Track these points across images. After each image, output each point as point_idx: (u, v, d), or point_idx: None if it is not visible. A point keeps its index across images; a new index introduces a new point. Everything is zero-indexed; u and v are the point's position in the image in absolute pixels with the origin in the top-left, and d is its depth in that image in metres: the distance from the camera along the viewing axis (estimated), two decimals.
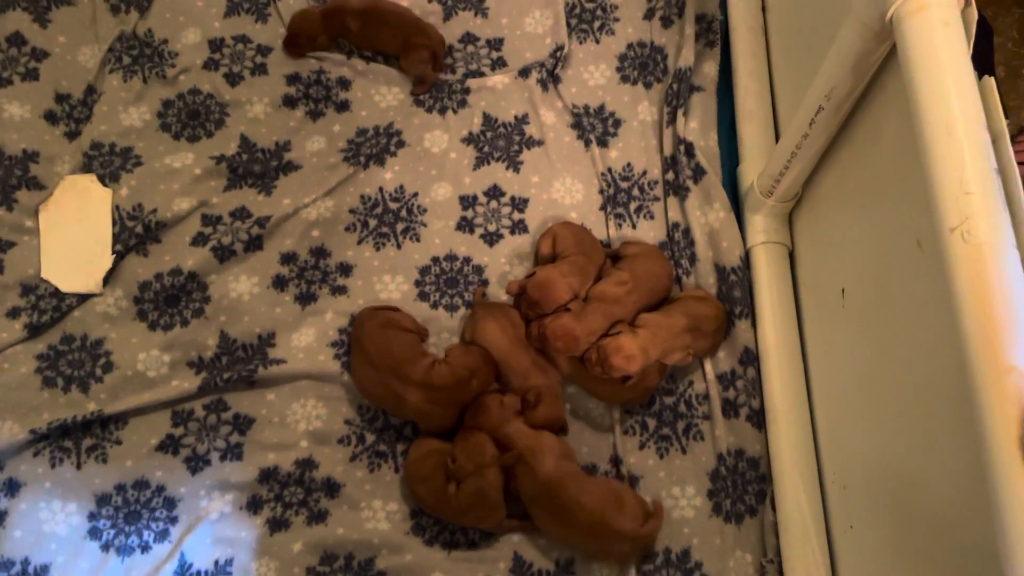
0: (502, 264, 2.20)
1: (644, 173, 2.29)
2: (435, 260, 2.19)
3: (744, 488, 1.97)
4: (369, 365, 1.94)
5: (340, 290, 2.14)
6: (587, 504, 1.79)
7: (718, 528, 1.95)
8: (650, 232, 2.26)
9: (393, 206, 2.24)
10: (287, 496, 1.94)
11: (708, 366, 2.11)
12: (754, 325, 2.08)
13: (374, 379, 1.94)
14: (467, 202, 2.26)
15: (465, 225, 2.23)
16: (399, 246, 2.20)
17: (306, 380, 2.04)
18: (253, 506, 1.92)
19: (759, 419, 2.01)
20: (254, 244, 2.14)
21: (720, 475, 1.99)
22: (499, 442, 1.89)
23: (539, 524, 1.86)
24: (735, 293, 2.11)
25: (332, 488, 1.96)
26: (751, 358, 2.06)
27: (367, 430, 2.02)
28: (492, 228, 2.24)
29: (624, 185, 2.28)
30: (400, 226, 2.22)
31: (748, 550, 1.92)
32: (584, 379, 2.03)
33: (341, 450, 2.00)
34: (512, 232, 2.24)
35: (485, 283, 2.19)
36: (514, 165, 2.29)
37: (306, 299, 2.13)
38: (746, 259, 2.14)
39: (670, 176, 2.27)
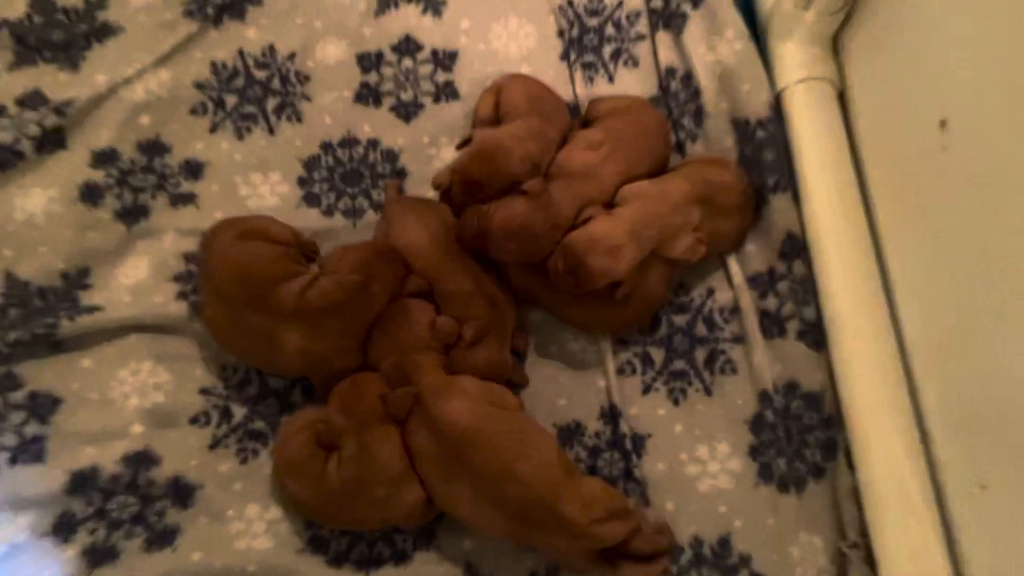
0: (424, 146, 1.52)
1: (620, 3, 1.59)
2: (326, 147, 1.51)
3: (803, 439, 1.31)
4: (220, 299, 1.26)
5: (185, 199, 1.45)
6: (523, 472, 1.13)
7: (769, 501, 1.30)
8: (635, 85, 1.58)
9: (260, 75, 1.54)
10: (114, 510, 1.27)
11: (734, 265, 1.44)
12: (797, 200, 1.40)
13: (231, 320, 1.26)
14: (369, 62, 1.56)
15: (368, 95, 1.54)
16: (272, 131, 1.51)
17: (137, 334, 1.36)
18: (62, 529, 1.25)
19: (816, 336, 1.35)
20: (52, 142, 1.44)
21: (765, 423, 1.33)
22: (397, 380, 1.23)
23: (439, 502, 1.20)
24: (766, 156, 1.43)
25: (183, 492, 1.29)
26: (796, 248, 1.39)
27: (234, 401, 1.34)
28: (407, 96, 1.55)
29: (593, 22, 1.59)
30: (272, 102, 1.53)
31: (817, 530, 1.27)
32: (551, 299, 1.37)
33: (195, 434, 1.32)
34: (436, 100, 1.55)
35: (400, 174, 1.50)
36: (433, 6, 1.58)
37: (133, 215, 1.43)
38: (777, 106, 1.46)
39: (657, 3, 1.57)
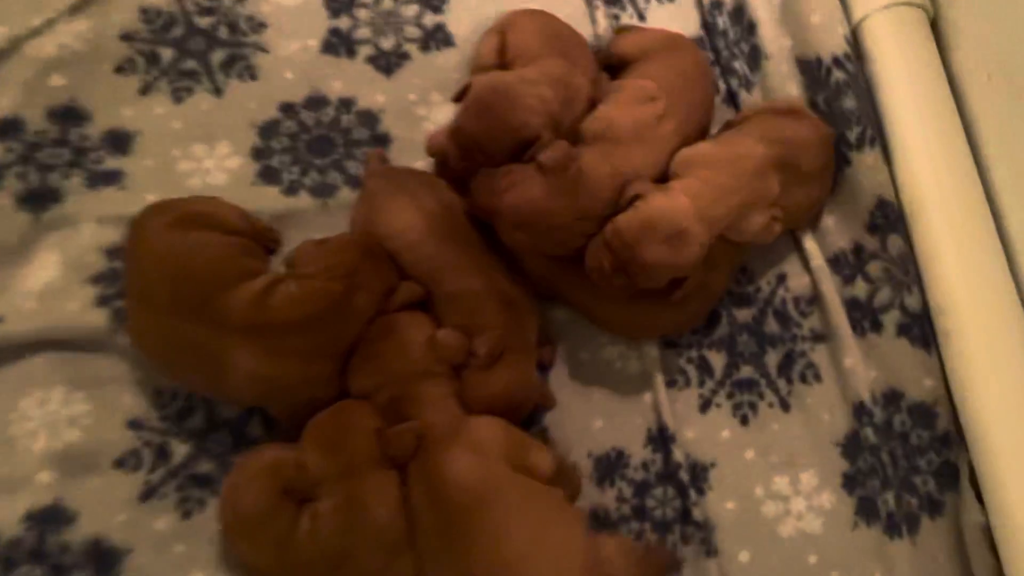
0: (411, 105, 1.21)
1: None
2: (287, 110, 1.20)
3: (912, 465, 1.01)
4: (151, 305, 0.95)
5: (107, 179, 1.14)
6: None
7: (873, 547, 0.99)
8: (671, 23, 1.26)
9: (203, 22, 1.23)
10: None
11: (810, 242, 1.14)
12: (887, 158, 1.10)
13: (165, 333, 0.95)
14: (339, 3, 1.25)
15: (339, 44, 1.23)
16: (218, 91, 1.20)
17: (46, 353, 1.04)
18: None
19: (922, 330, 1.04)
20: None
21: (862, 444, 1.03)
22: (397, 415, 0.92)
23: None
24: (844, 104, 1.13)
25: (107, 560, 0.98)
26: (891, 218, 1.09)
27: (172, 436, 1.04)
28: (387, 44, 1.24)
29: None
30: (219, 55, 1.21)
31: None
32: (582, 296, 1.08)
33: (122, 482, 1.01)
34: (424, 47, 1.24)
35: (382, 141, 1.19)
36: None
37: (41, 201, 1.12)
38: (856, 41, 1.15)
39: None
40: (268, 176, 1.17)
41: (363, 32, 1.26)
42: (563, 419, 1.08)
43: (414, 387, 0.94)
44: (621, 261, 0.96)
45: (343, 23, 1.26)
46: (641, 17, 1.27)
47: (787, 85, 1.19)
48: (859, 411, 1.06)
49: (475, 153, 1.02)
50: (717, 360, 1.11)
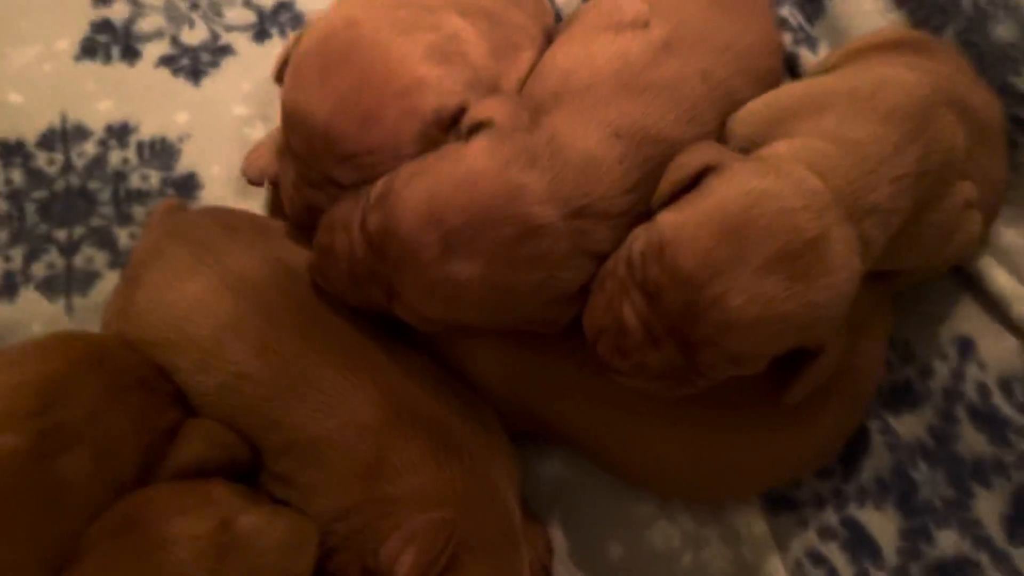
0: (236, 121, 0.67)
1: None
2: (9, 153, 0.63)
3: None
4: None
5: None
6: None
7: None
8: None
9: None
10: None
11: (997, 274, 0.59)
12: None
13: None
14: None
15: (110, 43, 0.71)
16: None
17: None
18: None
19: None
20: None
21: None
22: None
23: None
24: (995, 34, 0.62)
25: None
26: None
27: None
28: (196, 37, 0.71)
29: None
30: None
31: None
32: (598, 421, 0.54)
33: None
34: (260, 37, 0.72)
35: (186, 186, 0.64)
36: None
37: None
38: None
39: None
40: None
41: (151, 22, 0.74)
42: None
43: None
44: (675, 319, 0.42)
45: (116, 10, 0.74)
46: None
47: (878, 26, 0.69)
48: None
49: (327, 164, 0.49)
50: (882, 527, 0.54)
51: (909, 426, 0.58)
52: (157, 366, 0.48)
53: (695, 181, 0.45)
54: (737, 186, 0.43)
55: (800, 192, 0.43)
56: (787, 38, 0.74)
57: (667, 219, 0.44)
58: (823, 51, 0.74)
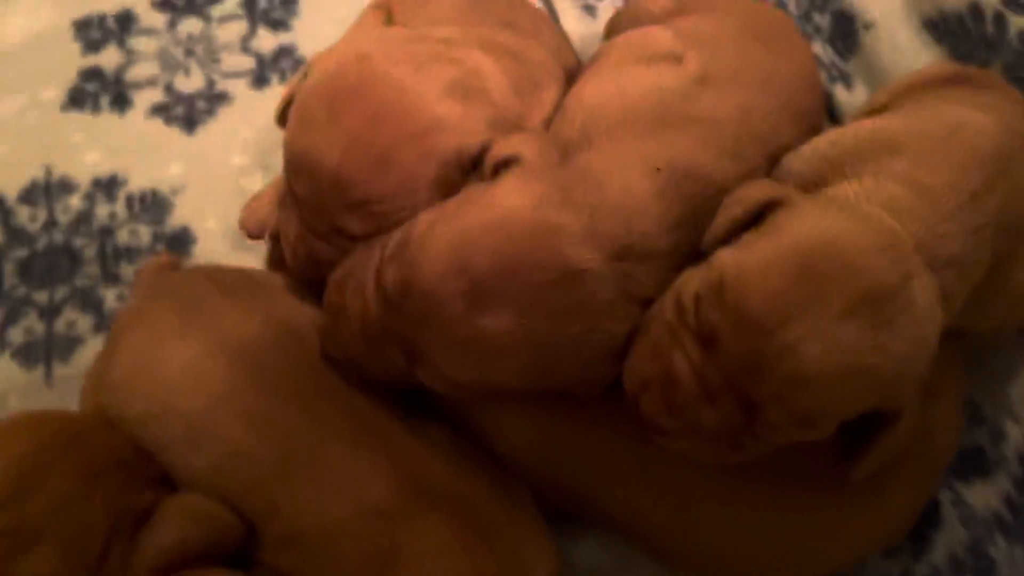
0: (233, 171, 0.62)
1: None
2: None
3: None
4: None
5: None
6: None
7: None
8: None
9: None
10: None
11: None
12: None
13: None
14: (100, 28, 0.68)
15: (99, 91, 0.66)
16: None
17: None
18: None
19: None
20: None
21: None
22: None
23: None
24: None
25: None
26: None
27: None
28: (191, 84, 0.67)
29: None
30: None
31: None
32: (639, 496, 0.48)
33: None
34: (259, 83, 0.67)
35: (179, 241, 0.59)
36: None
37: None
38: None
39: None
40: None
41: (144, 69, 0.69)
42: None
43: None
44: (736, 370, 0.37)
45: (106, 58, 0.70)
46: None
47: (917, 62, 0.65)
48: None
49: (324, 214, 0.44)
50: None
51: (983, 497, 0.52)
52: (139, 446, 0.42)
53: (755, 219, 0.40)
54: (811, 224, 0.38)
55: (880, 233, 0.38)
56: (821, 76, 0.70)
57: (728, 257, 0.39)
58: (859, 88, 0.70)
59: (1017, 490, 0.52)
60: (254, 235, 0.53)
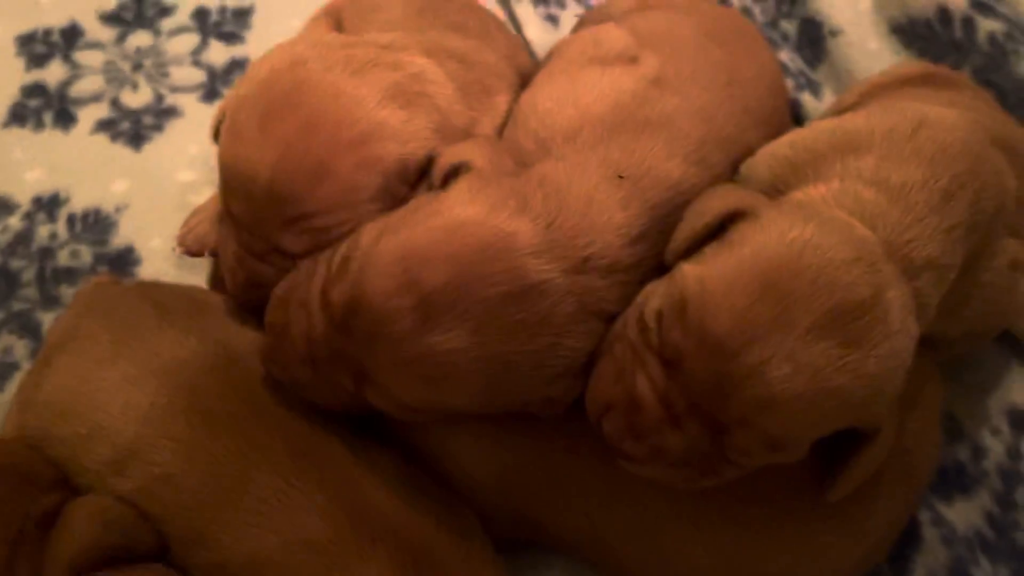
0: (180, 187, 0.59)
1: None
2: None
3: None
4: None
5: None
6: None
7: None
8: None
9: None
10: None
11: None
12: None
13: None
14: (45, 42, 0.66)
15: (42, 107, 0.63)
16: None
17: None
18: None
19: None
20: None
21: None
22: None
23: None
24: (1017, 70, 0.56)
25: None
26: None
27: None
28: (138, 99, 0.64)
29: None
30: None
31: None
32: (604, 522, 0.45)
33: None
34: (210, 96, 0.64)
35: (122, 262, 0.56)
36: None
37: None
38: None
39: None
40: None
41: (89, 84, 0.67)
42: None
43: None
44: (701, 393, 0.36)
45: (51, 72, 0.67)
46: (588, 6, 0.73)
47: (885, 67, 0.63)
48: None
49: (272, 230, 0.41)
50: None
51: (964, 515, 0.50)
52: (33, 451, 0.40)
53: (718, 229, 0.38)
54: (775, 235, 0.36)
55: (849, 243, 0.36)
56: (788, 84, 0.68)
57: (690, 272, 0.37)
58: (827, 96, 0.68)
59: (1000, 507, 0.50)
60: (193, 253, 0.51)
